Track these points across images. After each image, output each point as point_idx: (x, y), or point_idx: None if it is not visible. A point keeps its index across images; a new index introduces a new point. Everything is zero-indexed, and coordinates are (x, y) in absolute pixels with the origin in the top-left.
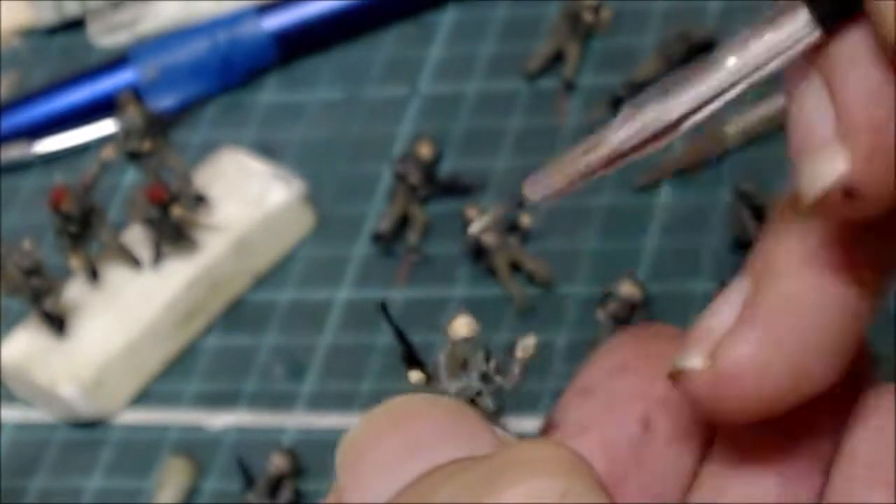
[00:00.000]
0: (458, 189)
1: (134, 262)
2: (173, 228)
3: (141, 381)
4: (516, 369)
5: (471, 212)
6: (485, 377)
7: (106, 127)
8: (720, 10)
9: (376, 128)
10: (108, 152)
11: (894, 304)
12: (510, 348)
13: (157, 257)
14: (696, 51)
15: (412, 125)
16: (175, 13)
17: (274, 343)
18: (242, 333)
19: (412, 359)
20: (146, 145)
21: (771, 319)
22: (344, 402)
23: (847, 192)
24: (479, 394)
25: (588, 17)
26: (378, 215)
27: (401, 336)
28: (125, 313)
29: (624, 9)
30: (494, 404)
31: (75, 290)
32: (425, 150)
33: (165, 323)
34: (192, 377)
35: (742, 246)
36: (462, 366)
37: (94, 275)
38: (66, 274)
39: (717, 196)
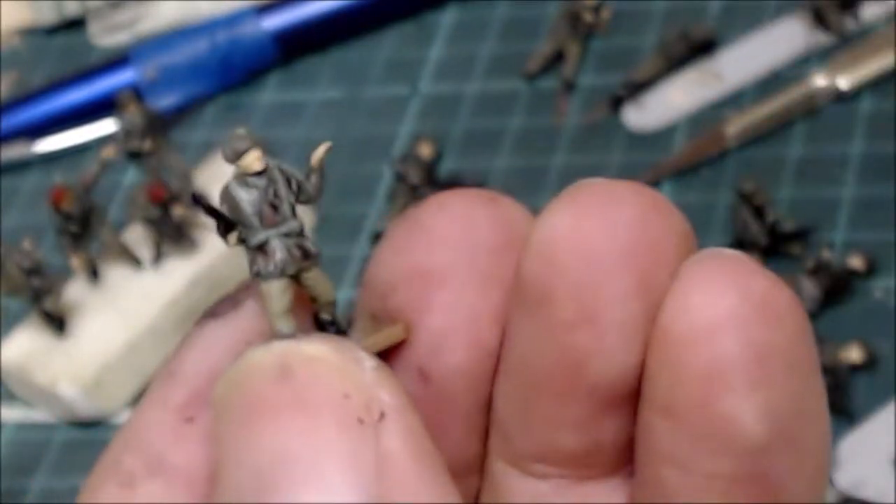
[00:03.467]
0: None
1: (134, 261)
2: (174, 228)
3: (141, 381)
4: (313, 177)
5: None
6: (294, 207)
7: (106, 127)
8: (720, 10)
9: (376, 128)
10: (109, 152)
11: (895, 304)
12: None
13: (158, 257)
14: (697, 51)
15: (412, 125)
16: (175, 13)
17: None
18: None
19: (227, 224)
20: (146, 145)
21: None
22: None
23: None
24: (301, 234)
25: (588, 17)
26: (378, 215)
27: (210, 210)
28: (125, 313)
29: (624, 9)
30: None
31: (75, 290)
32: (425, 150)
33: (166, 323)
34: None
35: (742, 246)
36: (272, 206)
37: (94, 274)
38: (67, 274)
39: (718, 196)
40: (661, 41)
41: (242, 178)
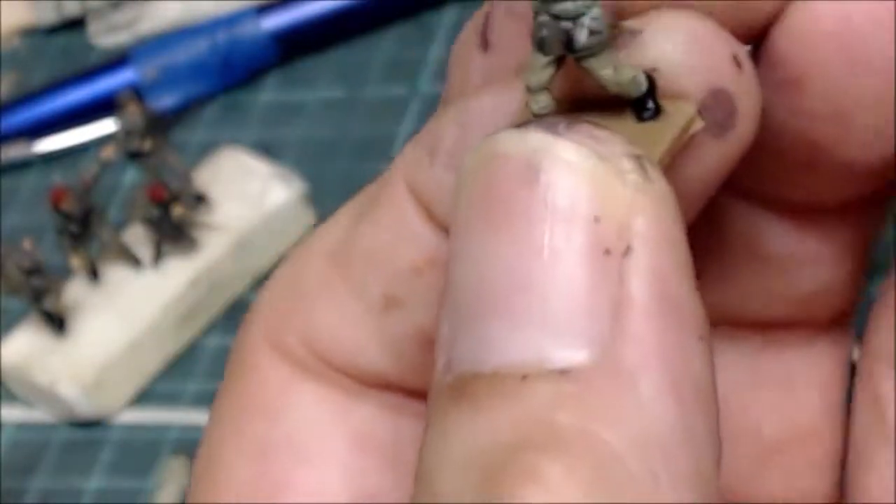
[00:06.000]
0: None
1: (134, 261)
2: (173, 228)
3: (141, 381)
4: None
5: None
6: None
7: (106, 127)
8: None
9: (376, 128)
10: (108, 152)
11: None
12: None
13: (158, 257)
14: None
15: (412, 125)
16: (175, 13)
17: None
18: None
19: None
20: (146, 145)
21: None
22: None
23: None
24: (575, 19)
25: None
26: None
27: None
28: (125, 313)
29: None
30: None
31: (75, 290)
32: None
33: (165, 323)
34: (192, 377)
35: None
36: None
37: (94, 274)
38: (66, 274)
39: None
40: None
41: None
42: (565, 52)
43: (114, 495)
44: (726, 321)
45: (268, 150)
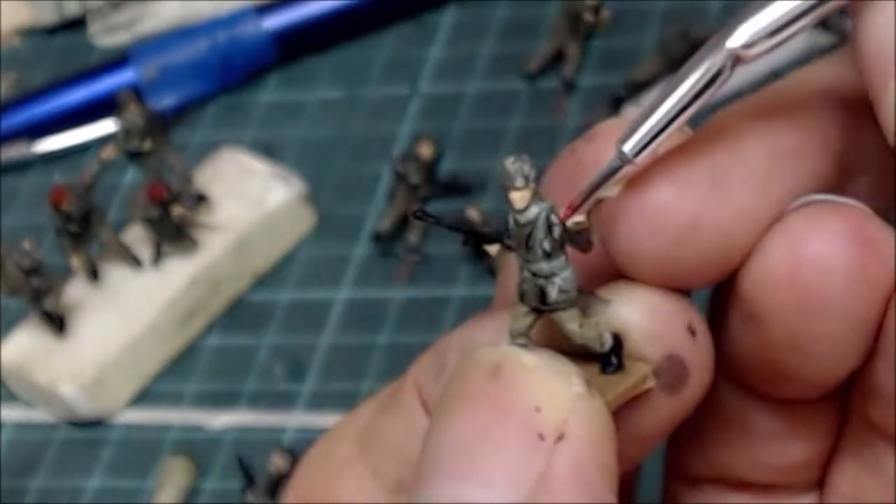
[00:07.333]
0: (458, 189)
1: (134, 261)
2: (173, 228)
3: (141, 381)
4: (582, 234)
5: (471, 212)
6: (550, 253)
7: (106, 127)
8: (720, 10)
9: (376, 128)
10: (108, 152)
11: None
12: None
13: (158, 257)
14: (697, 51)
15: (412, 125)
16: (175, 13)
17: (274, 343)
18: (242, 333)
19: (483, 238)
20: (146, 145)
21: None
22: (344, 401)
23: None
24: (549, 277)
25: (588, 17)
26: (378, 215)
27: (457, 225)
28: (125, 313)
29: (624, 9)
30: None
31: (75, 290)
32: (425, 150)
33: (165, 323)
34: (192, 377)
35: None
36: (526, 244)
37: (94, 274)
38: (66, 274)
39: None
40: (661, 41)
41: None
42: (539, 305)
43: (114, 495)
44: (724, 479)
45: (268, 150)
